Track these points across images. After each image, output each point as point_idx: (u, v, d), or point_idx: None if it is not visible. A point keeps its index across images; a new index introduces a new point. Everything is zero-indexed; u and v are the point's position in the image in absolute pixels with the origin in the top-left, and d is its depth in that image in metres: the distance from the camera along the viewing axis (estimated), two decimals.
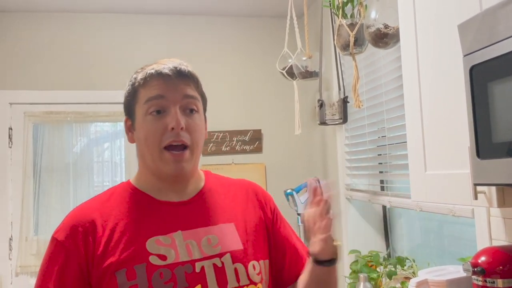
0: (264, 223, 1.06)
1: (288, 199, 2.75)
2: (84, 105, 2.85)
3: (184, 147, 0.95)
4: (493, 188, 0.97)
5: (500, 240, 1.34)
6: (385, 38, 1.63)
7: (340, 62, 2.37)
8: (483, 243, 1.38)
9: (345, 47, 1.86)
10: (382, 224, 2.49)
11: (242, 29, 3.10)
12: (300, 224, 2.74)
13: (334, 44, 2.16)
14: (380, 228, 2.49)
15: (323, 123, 2.25)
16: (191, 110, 0.98)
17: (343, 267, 2.46)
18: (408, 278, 1.89)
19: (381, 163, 2.21)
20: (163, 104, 0.95)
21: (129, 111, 1.00)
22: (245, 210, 1.05)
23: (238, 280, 0.94)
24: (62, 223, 0.97)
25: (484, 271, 1.05)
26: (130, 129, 1.01)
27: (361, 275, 1.96)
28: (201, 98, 1.02)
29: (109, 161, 2.95)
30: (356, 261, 2.28)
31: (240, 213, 1.04)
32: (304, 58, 2.45)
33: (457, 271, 1.32)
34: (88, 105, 2.86)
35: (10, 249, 2.69)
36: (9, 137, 2.76)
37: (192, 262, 0.92)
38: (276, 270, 1.05)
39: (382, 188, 2.26)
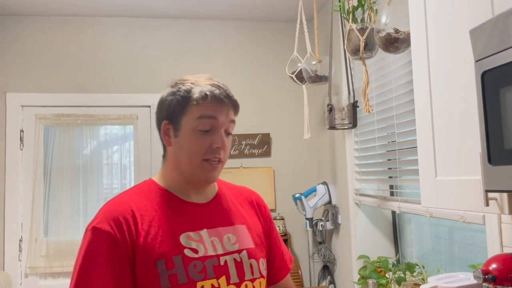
0: (263, 229, 1.22)
1: (296, 204, 2.75)
2: (94, 108, 2.88)
3: (219, 161, 1.10)
4: (505, 195, 0.96)
5: (511, 247, 1.32)
6: (396, 42, 1.62)
7: (350, 66, 2.36)
8: (494, 250, 1.36)
9: (355, 52, 1.85)
10: (391, 230, 2.47)
11: (252, 33, 3.11)
12: (308, 228, 2.74)
13: (344, 48, 2.16)
14: (389, 233, 2.47)
15: (332, 127, 2.24)
16: (229, 134, 1.13)
17: (352, 273, 2.44)
18: (417, 285, 1.87)
19: (390, 168, 2.19)
20: (213, 125, 1.08)
21: (173, 119, 1.09)
22: (251, 216, 1.21)
23: (252, 273, 1.10)
24: (101, 215, 1.02)
25: (495, 279, 1.03)
26: (168, 133, 1.11)
27: (370, 281, 1.94)
28: None
29: (118, 163, 2.97)
30: (365, 267, 2.26)
31: (248, 217, 1.20)
32: (313, 63, 2.45)
33: (468, 278, 1.30)
34: (98, 108, 2.89)
35: (20, 250, 2.71)
36: (20, 139, 2.79)
37: (218, 256, 1.06)
38: (268, 270, 1.23)
39: (392, 194, 2.24)
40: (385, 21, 1.66)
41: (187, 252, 1.03)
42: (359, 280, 2.25)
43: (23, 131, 2.81)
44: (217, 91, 1.09)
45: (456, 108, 1.12)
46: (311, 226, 2.73)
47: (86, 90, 2.88)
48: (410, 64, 1.34)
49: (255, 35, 3.11)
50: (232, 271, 1.07)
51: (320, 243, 2.80)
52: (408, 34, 1.51)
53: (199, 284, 1.01)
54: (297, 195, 2.73)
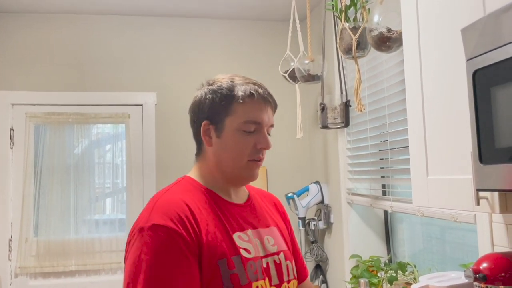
0: (286, 231, 1.22)
1: (289, 203, 2.74)
2: (85, 107, 2.86)
3: (260, 159, 1.10)
4: (496, 194, 0.96)
5: (502, 247, 1.33)
6: (388, 42, 1.62)
7: (342, 65, 2.36)
8: (485, 249, 1.37)
9: (348, 51, 1.85)
10: (383, 229, 2.48)
11: (244, 32, 3.10)
12: (300, 228, 2.73)
13: (336, 47, 2.16)
14: (381, 233, 2.47)
15: (325, 126, 2.24)
16: (268, 135, 1.12)
17: (344, 272, 2.45)
18: (409, 284, 1.87)
19: (383, 168, 2.19)
20: (257, 127, 1.08)
21: (215, 119, 1.07)
22: (278, 218, 1.22)
23: (288, 275, 1.11)
24: (157, 213, 0.97)
25: (486, 278, 1.03)
26: (208, 133, 1.09)
27: (362, 280, 1.95)
28: None
29: (111, 162, 2.95)
30: (357, 266, 2.26)
31: (276, 219, 1.21)
32: (306, 62, 2.45)
33: (459, 277, 1.31)
34: (90, 107, 2.86)
35: (9, 250, 2.68)
36: (10, 138, 2.76)
37: (262, 258, 1.06)
38: None
39: (384, 193, 2.25)
40: (377, 20, 1.66)
41: (242, 252, 1.02)
42: (351, 279, 2.25)
43: (13, 130, 2.77)
44: (260, 90, 1.08)
45: (447, 107, 1.12)
46: (304, 225, 2.72)
47: (78, 88, 2.86)
48: (403, 64, 1.34)
49: (248, 34, 3.10)
50: (273, 272, 1.07)
51: (312, 242, 2.80)
52: (400, 33, 1.51)
53: (254, 285, 1.01)
54: (289, 195, 2.73)
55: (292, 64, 2.53)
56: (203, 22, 3.06)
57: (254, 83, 1.08)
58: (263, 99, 1.07)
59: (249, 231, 1.07)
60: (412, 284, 1.63)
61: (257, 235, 1.08)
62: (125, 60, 2.93)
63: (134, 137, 2.90)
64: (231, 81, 1.08)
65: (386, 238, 2.46)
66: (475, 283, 1.06)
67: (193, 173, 1.13)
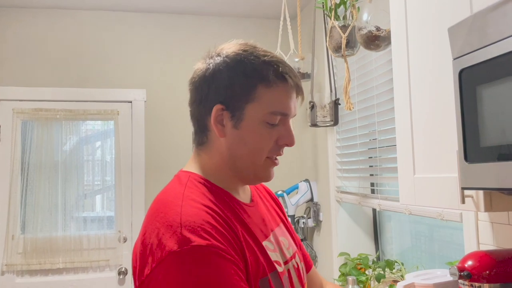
0: (287, 224, 1.09)
1: None
2: (74, 103, 2.83)
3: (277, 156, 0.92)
4: (481, 192, 0.97)
5: (487, 245, 1.34)
6: (377, 40, 1.62)
7: (332, 64, 2.37)
8: (471, 248, 1.38)
9: (337, 49, 1.85)
10: (371, 227, 2.49)
11: (234, 30, 3.09)
12: None
13: (326, 46, 2.16)
14: (369, 231, 2.48)
15: (314, 125, 2.24)
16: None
17: (333, 269, 2.45)
18: (396, 282, 1.89)
19: (371, 166, 2.20)
20: (282, 119, 0.88)
21: (231, 104, 0.84)
22: (277, 211, 1.06)
23: (304, 277, 0.99)
24: (197, 228, 0.74)
25: (470, 275, 1.04)
26: (220, 121, 0.86)
27: (350, 278, 1.95)
28: None
29: (100, 160, 2.93)
30: (345, 264, 2.27)
31: (277, 213, 1.05)
32: (296, 60, 2.45)
33: (444, 275, 1.31)
34: (78, 103, 2.83)
35: None
36: None
37: (284, 264, 0.91)
38: None
39: (373, 191, 2.26)
40: (366, 19, 1.66)
41: (276, 265, 0.86)
42: (339, 277, 2.26)
43: (0, 126, 2.74)
44: (292, 74, 0.86)
45: (434, 106, 1.12)
46: (293, 223, 2.73)
47: (66, 84, 2.83)
48: (391, 62, 1.34)
49: (238, 31, 3.09)
50: (295, 280, 0.92)
51: (301, 240, 2.80)
52: (389, 32, 1.51)
53: None
54: (279, 192, 2.73)
55: None
56: (193, 19, 3.04)
57: (279, 61, 0.85)
58: (296, 85, 0.86)
59: (271, 237, 0.91)
60: (399, 281, 1.64)
61: (274, 238, 0.92)
62: (114, 56, 2.90)
63: (123, 134, 2.88)
64: (253, 54, 0.84)
65: (375, 236, 2.48)
66: (460, 280, 1.07)
67: (195, 168, 0.90)
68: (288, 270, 0.90)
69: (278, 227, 0.98)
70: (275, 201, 1.09)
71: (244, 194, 0.95)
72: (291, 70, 0.87)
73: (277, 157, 0.91)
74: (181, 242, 0.72)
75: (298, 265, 0.95)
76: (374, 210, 2.47)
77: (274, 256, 0.88)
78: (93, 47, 2.89)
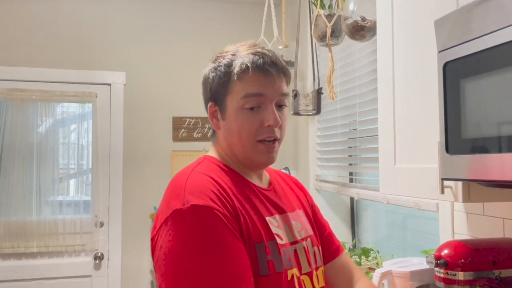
0: (310, 210, 1.14)
1: None
2: (50, 84, 2.75)
3: (274, 140, 0.98)
4: (460, 183, 0.99)
5: (462, 234, 1.38)
6: (362, 30, 1.63)
7: (316, 53, 2.37)
8: (446, 237, 1.42)
9: (322, 38, 1.85)
10: (349, 216, 2.53)
11: (218, 14, 3.05)
12: None
13: (310, 34, 2.15)
14: (347, 219, 2.53)
15: (296, 113, 2.25)
16: (281, 106, 0.99)
17: None
18: (372, 269, 1.93)
19: (351, 156, 2.23)
20: (260, 101, 0.95)
21: (217, 99, 0.98)
22: (301, 199, 1.13)
23: (316, 262, 1.03)
24: (197, 192, 0.86)
25: (446, 264, 1.07)
26: (215, 116, 1.00)
27: None
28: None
29: (76, 143, 2.87)
30: None
31: (300, 201, 1.12)
32: (280, 47, 2.44)
33: (420, 263, 1.35)
34: (55, 84, 2.75)
35: None
36: None
37: (290, 245, 0.97)
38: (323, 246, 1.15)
39: (351, 180, 2.29)
40: (352, 9, 1.66)
41: (277, 237, 0.93)
42: None
43: None
44: (260, 61, 0.95)
45: (417, 98, 1.14)
46: None
47: (42, 64, 2.74)
48: (375, 53, 1.35)
49: (221, 15, 3.05)
50: (303, 260, 0.98)
51: None
52: (375, 23, 1.52)
53: (289, 273, 0.92)
54: None
55: None
56: (177, 2, 2.99)
57: (256, 53, 0.96)
58: (262, 70, 0.94)
59: (277, 216, 0.98)
60: (375, 269, 1.68)
61: (285, 220, 1.00)
62: (94, 37, 2.83)
63: (101, 117, 2.82)
64: (232, 54, 0.98)
65: (351, 224, 2.52)
66: (436, 268, 1.10)
67: (213, 153, 1.03)
68: (295, 250, 0.98)
69: (294, 212, 1.05)
70: (303, 191, 1.17)
71: (259, 179, 1.04)
72: (261, 57, 0.96)
73: (274, 142, 0.98)
74: (184, 202, 0.85)
75: (307, 248, 1.01)
76: (351, 199, 2.51)
77: (276, 230, 0.95)
78: (72, 28, 2.80)
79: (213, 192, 0.87)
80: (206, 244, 0.81)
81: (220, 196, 0.87)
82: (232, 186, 0.93)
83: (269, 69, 0.95)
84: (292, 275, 0.92)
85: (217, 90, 0.98)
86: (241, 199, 0.92)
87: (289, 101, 1.05)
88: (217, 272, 0.80)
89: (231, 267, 0.81)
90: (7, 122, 2.68)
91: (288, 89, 1.02)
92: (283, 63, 1.00)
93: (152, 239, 0.90)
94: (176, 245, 0.82)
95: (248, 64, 0.94)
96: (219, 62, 0.98)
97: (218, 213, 0.84)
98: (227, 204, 0.87)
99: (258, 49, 0.98)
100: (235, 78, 0.95)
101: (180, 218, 0.83)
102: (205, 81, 1.01)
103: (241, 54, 0.97)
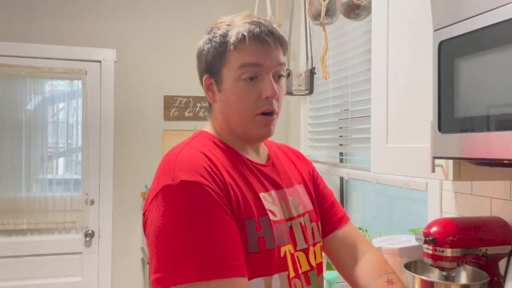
0: (311, 183, 1.12)
1: None
2: (39, 60, 2.70)
3: (272, 112, 0.96)
4: (450, 162, 1.01)
5: (450, 213, 1.41)
6: (357, 9, 1.62)
7: (309, 32, 2.35)
8: (434, 216, 1.45)
9: (316, 17, 1.84)
10: (338, 196, 2.56)
11: None
12: None
13: (304, 13, 2.14)
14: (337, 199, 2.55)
15: (289, 93, 2.25)
16: (280, 76, 0.97)
17: None
18: None
19: (341, 136, 2.24)
20: (257, 71, 0.93)
21: (213, 71, 0.96)
22: (302, 172, 1.11)
23: (314, 238, 1.02)
24: (187, 167, 0.85)
25: (435, 241, 1.10)
26: (210, 88, 0.98)
27: None
28: None
29: (65, 121, 2.84)
30: None
31: (301, 174, 1.10)
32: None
33: (409, 240, 1.38)
34: (44, 60, 2.70)
35: None
36: None
37: (286, 220, 0.96)
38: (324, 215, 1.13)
39: (341, 161, 2.31)
40: None
41: (269, 213, 0.92)
42: None
43: None
44: (256, 30, 0.92)
45: (410, 77, 1.14)
46: None
47: (31, 40, 2.69)
48: (369, 33, 1.35)
49: None
50: (299, 236, 0.98)
51: None
52: (370, 2, 1.51)
53: (282, 250, 0.91)
54: None
55: None
56: None
57: (252, 22, 0.94)
58: (259, 40, 0.92)
59: (273, 192, 0.97)
60: None
61: (281, 195, 0.98)
62: (84, 13, 2.77)
63: (91, 95, 2.79)
64: (227, 24, 0.96)
65: (341, 204, 2.55)
66: (424, 245, 1.13)
67: (209, 128, 1.02)
68: (291, 226, 0.97)
69: (292, 187, 1.04)
70: (305, 163, 1.15)
71: (256, 154, 1.02)
72: (257, 27, 0.93)
73: (273, 114, 0.96)
74: (173, 177, 0.84)
75: (305, 224, 1.00)
76: (341, 179, 2.54)
77: (270, 206, 0.94)
78: (62, 2, 2.74)
79: (203, 167, 0.86)
80: (195, 220, 0.81)
81: (211, 172, 0.86)
82: (225, 162, 0.93)
83: (266, 38, 0.93)
84: (285, 252, 0.92)
85: (212, 61, 0.96)
86: (234, 175, 0.92)
87: (285, 73, 1.04)
88: (206, 248, 0.79)
89: (221, 243, 0.81)
90: None
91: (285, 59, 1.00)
92: (280, 32, 0.97)
93: (143, 214, 0.90)
94: (166, 221, 0.81)
95: (245, 33, 0.92)
96: (214, 33, 0.96)
97: (208, 188, 0.83)
98: (218, 180, 0.86)
99: (254, 19, 0.95)
100: (232, 48, 0.93)
101: (169, 193, 0.83)
102: (200, 53, 0.99)
103: (236, 24, 0.95)
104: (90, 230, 2.75)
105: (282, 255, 0.91)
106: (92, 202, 2.76)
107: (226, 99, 0.96)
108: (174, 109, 2.92)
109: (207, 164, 0.88)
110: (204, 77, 0.98)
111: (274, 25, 2.36)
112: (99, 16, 2.80)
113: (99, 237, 2.77)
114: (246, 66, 0.92)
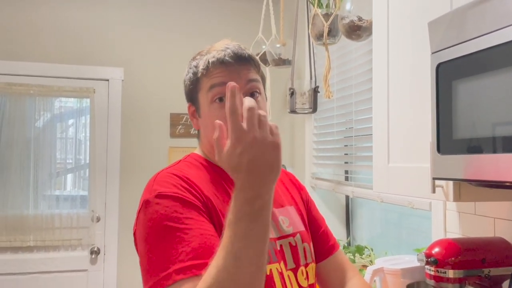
0: (304, 207, 1.14)
1: None
2: (48, 79, 2.75)
3: None
4: (451, 183, 1.01)
5: (454, 233, 1.40)
6: (358, 30, 1.64)
7: (313, 51, 2.38)
8: (438, 235, 1.44)
9: (319, 37, 1.87)
10: (344, 213, 2.55)
11: (216, 11, 3.05)
12: None
13: (308, 33, 2.17)
14: (342, 217, 2.54)
15: (293, 111, 2.26)
16: (254, 93, 0.99)
17: None
18: (365, 266, 1.95)
19: (346, 154, 2.25)
20: (226, 91, 0.94)
21: (192, 98, 1.03)
22: (294, 195, 1.14)
23: (305, 258, 1.03)
24: (165, 182, 0.91)
25: (436, 262, 1.09)
26: (194, 115, 1.04)
27: None
28: (261, 79, 1.04)
29: (73, 138, 2.88)
30: None
31: (296, 197, 1.13)
32: (278, 45, 2.45)
33: (412, 261, 1.37)
34: (53, 79, 2.76)
35: None
36: None
37: (275, 240, 0.98)
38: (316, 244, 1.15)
39: (346, 178, 2.31)
40: (349, 8, 1.68)
41: None
42: None
43: None
44: (221, 54, 0.97)
45: (411, 98, 1.15)
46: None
47: (41, 59, 2.75)
48: (371, 53, 1.36)
49: (220, 13, 3.06)
50: (288, 256, 0.99)
51: None
52: (371, 23, 1.53)
53: (268, 267, 0.91)
54: None
55: (263, 47, 2.52)
56: None
57: (220, 49, 0.99)
58: (223, 62, 0.97)
59: None
60: (368, 266, 1.70)
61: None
62: (93, 33, 2.84)
63: (99, 112, 2.83)
64: (201, 54, 1.03)
65: (346, 222, 2.54)
66: (426, 266, 1.12)
67: (198, 150, 1.07)
68: (281, 245, 0.99)
69: (283, 208, 1.06)
70: (297, 188, 1.18)
71: None
72: (223, 51, 0.98)
73: None
74: (151, 192, 0.91)
75: (296, 244, 1.02)
76: (347, 197, 2.53)
77: None
78: (71, 23, 2.81)
79: (181, 185, 0.90)
80: (170, 225, 0.84)
81: (190, 188, 0.90)
82: (209, 183, 0.96)
83: (230, 60, 0.97)
84: (271, 270, 0.93)
85: (190, 90, 1.03)
86: (219, 195, 0.94)
87: (262, 87, 1.03)
88: (182, 251, 0.82)
89: (197, 244, 0.83)
90: (4, 116, 2.68)
91: (263, 74, 1.04)
92: (248, 52, 1.01)
93: (133, 234, 0.96)
94: (144, 231, 0.87)
95: (209, 60, 0.98)
96: (191, 64, 1.04)
97: (187, 199, 0.87)
98: (197, 194, 0.90)
99: (224, 45, 1.00)
100: (202, 76, 0.99)
101: (147, 206, 0.89)
102: (184, 83, 1.06)
103: (209, 52, 1.01)
104: (95, 247, 2.76)
105: (267, 273, 0.91)
106: (98, 219, 2.78)
107: (205, 122, 1.00)
108: (180, 126, 2.94)
109: (187, 183, 0.92)
110: (187, 105, 1.05)
111: (278, 45, 2.34)
112: (107, 36, 2.86)
113: (104, 254, 2.77)
114: (214, 87, 0.97)
